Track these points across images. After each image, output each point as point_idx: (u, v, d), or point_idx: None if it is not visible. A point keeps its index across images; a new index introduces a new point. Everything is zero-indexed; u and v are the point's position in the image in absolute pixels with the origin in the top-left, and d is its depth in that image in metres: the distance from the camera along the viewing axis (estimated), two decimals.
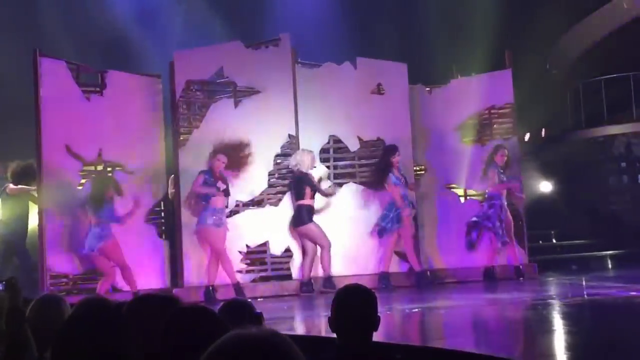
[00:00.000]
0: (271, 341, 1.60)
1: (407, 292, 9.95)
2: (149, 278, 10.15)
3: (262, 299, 9.71)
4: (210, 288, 9.70)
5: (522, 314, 7.71)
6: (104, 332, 2.33)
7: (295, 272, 10.48)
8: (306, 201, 10.21)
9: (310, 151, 10.46)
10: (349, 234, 10.69)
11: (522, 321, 7.32)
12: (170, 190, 10.70)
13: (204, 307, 2.61)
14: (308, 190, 10.21)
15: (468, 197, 11.60)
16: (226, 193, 9.91)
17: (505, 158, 10.81)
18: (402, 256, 10.80)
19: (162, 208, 10.66)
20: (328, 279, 10.07)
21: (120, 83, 10.33)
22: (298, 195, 10.26)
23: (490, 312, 8.01)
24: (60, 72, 9.88)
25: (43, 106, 9.60)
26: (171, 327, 2.44)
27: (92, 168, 10.23)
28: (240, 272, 10.28)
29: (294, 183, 10.34)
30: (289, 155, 10.65)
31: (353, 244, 10.69)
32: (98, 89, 10.29)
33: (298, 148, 10.60)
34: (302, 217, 10.18)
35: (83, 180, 9.95)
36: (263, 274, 10.50)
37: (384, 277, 10.37)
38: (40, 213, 9.56)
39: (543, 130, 15.74)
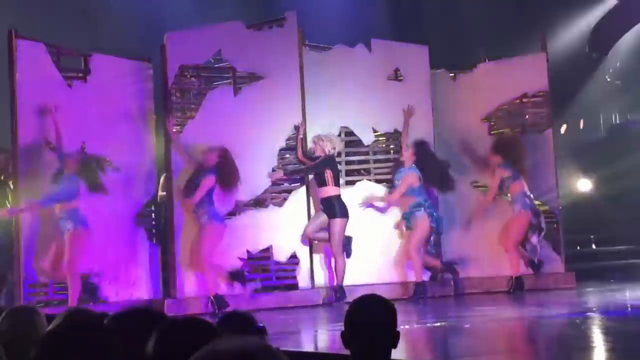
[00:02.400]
0: (256, 354, 1.58)
1: (431, 304, 9.96)
2: (138, 287, 10.17)
3: (264, 311, 9.70)
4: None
5: (557, 329, 7.69)
6: (87, 348, 2.33)
7: (303, 280, 10.47)
8: (332, 189, 10.19)
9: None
10: (362, 238, 10.68)
11: (557, 337, 7.30)
12: (161, 192, 10.71)
13: (199, 319, 2.62)
14: (329, 175, 10.19)
15: (497, 197, 11.58)
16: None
17: None
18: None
19: (153, 209, 10.67)
20: (340, 289, 10.08)
21: (105, 68, 10.34)
22: (320, 181, 10.23)
23: (521, 327, 7.99)
24: (38, 55, 9.88)
25: (19, 93, 9.61)
26: (163, 341, 2.45)
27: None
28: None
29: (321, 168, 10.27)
30: (295, 149, 10.64)
31: (368, 249, 10.69)
32: (81, 75, 10.30)
33: (305, 141, 10.60)
34: (333, 209, 10.17)
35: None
36: (266, 282, 10.50)
37: (420, 287, 10.39)
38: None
39: (582, 121, 15.67)
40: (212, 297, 9.70)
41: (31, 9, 13.09)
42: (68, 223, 9.31)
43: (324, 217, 10.21)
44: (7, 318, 3.79)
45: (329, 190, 10.20)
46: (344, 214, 10.17)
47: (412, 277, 10.58)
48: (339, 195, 10.22)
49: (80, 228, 9.33)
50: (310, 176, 10.55)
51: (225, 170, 9.91)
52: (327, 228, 10.19)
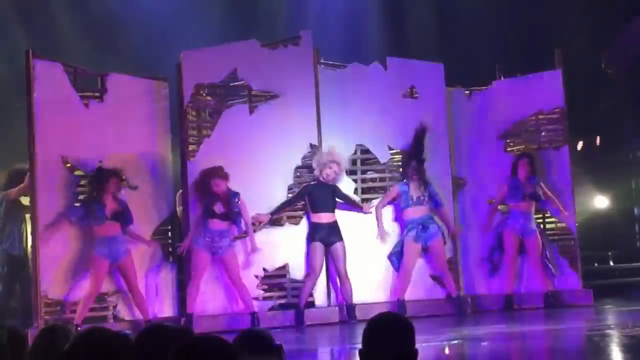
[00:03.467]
0: None
1: (445, 321, 9.92)
2: (155, 305, 10.17)
3: (280, 329, 9.69)
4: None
5: (576, 346, 7.65)
6: None
7: (320, 298, 10.46)
8: (334, 215, 10.38)
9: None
10: (378, 256, 10.67)
11: (576, 354, 7.26)
12: (178, 207, 10.73)
13: (218, 337, 2.62)
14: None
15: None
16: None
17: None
18: (439, 280, 10.82)
19: (169, 227, 10.68)
20: (353, 308, 10.11)
21: (122, 87, 10.38)
22: (333, 206, 10.37)
23: (540, 344, 7.95)
24: (55, 75, 9.94)
25: (37, 113, 9.66)
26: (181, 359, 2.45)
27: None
28: (256, 299, 10.29)
29: (330, 192, 10.37)
30: (311, 167, 10.64)
31: (383, 267, 10.68)
32: (97, 94, 10.35)
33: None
34: (339, 233, 10.31)
35: (81, 197, 10.01)
36: (282, 301, 10.50)
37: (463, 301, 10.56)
38: (33, 232, 9.61)
39: (598, 137, 15.63)
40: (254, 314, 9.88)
41: (48, 30, 13.18)
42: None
43: (322, 247, 10.24)
44: (44, 335, 3.80)
45: (335, 215, 10.26)
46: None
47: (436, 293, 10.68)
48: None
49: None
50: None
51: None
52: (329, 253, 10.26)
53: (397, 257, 10.61)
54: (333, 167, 10.34)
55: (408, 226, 10.58)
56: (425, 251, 10.67)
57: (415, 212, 10.58)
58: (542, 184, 10.86)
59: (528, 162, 10.81)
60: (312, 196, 10.35)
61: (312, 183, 10.42)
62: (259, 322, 9.82)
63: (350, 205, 10.60)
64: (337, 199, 10.44)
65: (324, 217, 10.27)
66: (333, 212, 10.35)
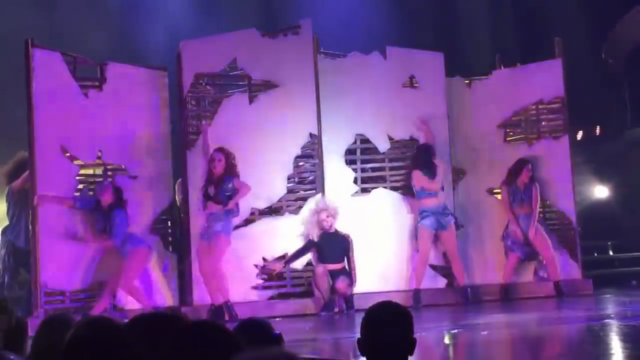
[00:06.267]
0: None
1: (447, 311, 9.96)
2: (154, 295, 10.20)
3: (280, 319, 9.71)
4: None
5: (575, 336, 7.68)
6: (109, 354, 2.35)
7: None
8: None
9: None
10: (377, 245, 10.70)
11: (575, 344, 7.29)
12: (178, 197, 10.75)
13: (217, 323, 2.63)
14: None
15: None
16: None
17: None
18: (439, 269, 10.83)
19: (169, 217, 10.70)
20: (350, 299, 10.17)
21: (121, 77, 10.39)
22: (343, 257, 10.36)
23: (539, 333, 7.98)
24: (55, 64, 9.95)
25: (36, 103, 9.68)
26: (181, 344, 2.46)
27: (91, 171, 10.30)
28: (256, 288, 10.31)
29: (341, 243, 10.36)
30: (311, 156, 10.67)
31: (382, 257, 10.70)
32: (97, 84, 10.36)
33: (321, 148, 10.62)
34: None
35: (80, 186, 10.04)
36: (282, 290, 10.52)
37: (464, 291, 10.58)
38: (33, 222, 9.64)
39: (598, 127, 15.63)
40: (213, 306, 9.74)
41: (48, 19, 13.16)
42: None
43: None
44: (46, 326, 3.82)
45: (343, 264, 10.28)
46: None
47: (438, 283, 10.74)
48: None
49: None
50: (327, 184, 10.60)
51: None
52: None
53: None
54: (323, 214, 10.27)
55: (422, 213, 10.60)
56: (437, 239, 10.70)
57: (430, 201, 10.61)
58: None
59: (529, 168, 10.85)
60: (321, 246, 10.29)
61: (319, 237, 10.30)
62: (232, 311, 9.67)
63: None
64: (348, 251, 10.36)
65: (330, 267, 10.23)
66: (342, 262, 10.30)
